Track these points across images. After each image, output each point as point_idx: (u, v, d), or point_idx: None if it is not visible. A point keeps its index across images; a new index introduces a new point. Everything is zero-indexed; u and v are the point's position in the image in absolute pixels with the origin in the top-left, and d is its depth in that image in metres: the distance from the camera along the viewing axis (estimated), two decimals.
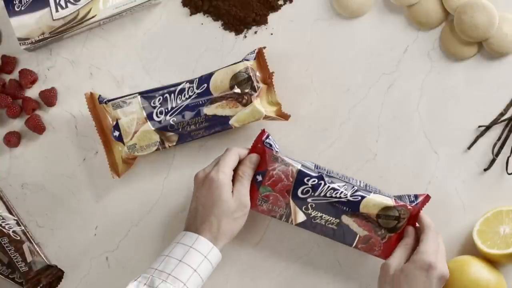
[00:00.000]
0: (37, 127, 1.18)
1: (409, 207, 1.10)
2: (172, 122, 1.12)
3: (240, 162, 1.11)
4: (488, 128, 1.17)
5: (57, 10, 1.14)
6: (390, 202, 1.10)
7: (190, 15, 1.20)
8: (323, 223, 1.10)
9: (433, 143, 1.18)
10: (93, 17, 1.15)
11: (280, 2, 1.20)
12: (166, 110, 1.13)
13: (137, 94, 1.13)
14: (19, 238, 1.17)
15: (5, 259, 1.17)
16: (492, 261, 1.13)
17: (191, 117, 1.12)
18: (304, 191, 1.10)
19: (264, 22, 1.19)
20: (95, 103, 1.15)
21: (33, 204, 1.19)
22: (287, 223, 1.16)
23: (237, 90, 1.12)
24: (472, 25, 1.15)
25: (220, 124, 1.13)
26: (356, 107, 1.19)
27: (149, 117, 1.13)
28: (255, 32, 1.20)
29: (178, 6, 1.20)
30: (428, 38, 1.19)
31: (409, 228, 1.10)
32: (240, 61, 1.13)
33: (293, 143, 1.17)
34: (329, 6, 1.20)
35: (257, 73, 1.14)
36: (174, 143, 1.14)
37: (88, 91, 1.16)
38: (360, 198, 1.10)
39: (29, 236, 1.17)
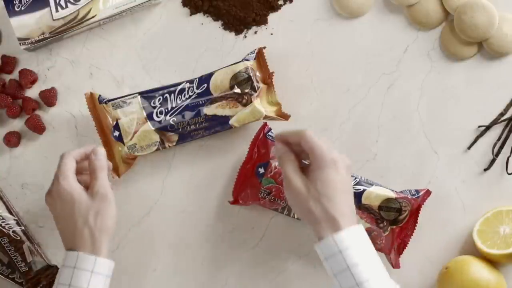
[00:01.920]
0: (37, 127, 1.18)
1: (410, 198, 1.11)
2: (172, 122, 1.12)
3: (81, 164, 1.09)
4: (488, 128, 1.17)
5: (57, 10, 1.14)
6: (392, 194, 1.11)
7: (190, 15, 1.20)
8: None
9: (433, 143, 1.18)
10: (93, 17, 1.15)
11: (280, 2, 1.20)
12: (166, 110, 1.12)
13: (137, 94, 1.13)
14: (19, 238, 1.17)
15: (5, 259, 1.17)
16: (492, 261, 1.13)
17: (191, 117, 1.12)
18: None
19: (264, 22, 1.19)
20: (95, 103, 1.15)
21: (33, 204, 1.19)
22: (287, 223, 1.17)
23: (237, 90, 1.12)
24: (472, 25, 1.15)
25: (220, 124, 1.13)
26: (356, 107, 1.19)
27: (149, 117, 1.12)
28: (255, 32, 1.20)
29: (178, 6, 1.20)
30: (428, 38, 1.19)
31: (276, 147, 1.04)
32: (240, 61, 1.13)
33: None
34: (329, 6, 1.20)
35: (257, 73, 1.14)
36: (174, 143, 1.13)
37: (88, 91, 1.16)
38: (362, 189, 1.11)
39: (29, 236, 1.17)
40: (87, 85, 1.20)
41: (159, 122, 1.12)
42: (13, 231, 1.17)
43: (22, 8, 1.14)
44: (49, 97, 1.19)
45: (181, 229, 1.18)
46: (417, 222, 1.13)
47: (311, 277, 1.17)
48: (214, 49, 1.19)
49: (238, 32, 1.20)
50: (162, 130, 1.12)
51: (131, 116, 1.12)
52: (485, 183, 1.17)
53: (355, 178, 1.12)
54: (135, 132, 1.12)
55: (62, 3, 1.14)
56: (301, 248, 1.18)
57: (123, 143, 1.13)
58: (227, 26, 1.20)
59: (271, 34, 1.20)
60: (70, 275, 1.02)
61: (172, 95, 1.13)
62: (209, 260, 1.18)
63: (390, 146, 1.18)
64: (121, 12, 1.16)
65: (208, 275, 1.18)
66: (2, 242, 1.16)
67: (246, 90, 1.12)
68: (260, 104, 1.13)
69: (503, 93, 1.18)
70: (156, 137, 1.13)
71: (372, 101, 1.18)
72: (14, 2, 1.14)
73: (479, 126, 1.18)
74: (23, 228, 1.17)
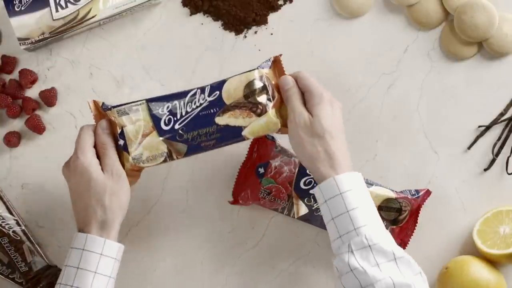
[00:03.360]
0: (37, 127, 1.18)
1: (410, 198, 1.11)
2: (181, 132, 1.04)
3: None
4: (488, 128, 1.18)
5: (57, 10, 1.14)
6: (392, 194, 1.11)
7: (190, 15, 1.20)
8: None
9: (433, 143, 1.18)
10: (93, 17, 1.15)
11: (280, 2, 1.20)
12: (175, 119, 1.05)
13: (144, 101, 1.05)
14: (19, 238, 1.17)
15: (5, 259, 1.17)
16: (492, 261, 1.13)
17: (202, 126, 1.05)
18: (307, 182, 1.11)
19: (264, 22, 1.19)
20: (99, 111, 1.07)
21: (33, 204, 1.19)
22: (287, 223, 1.17)
23: (251, 99, 1.04)
24: (472, 25, 1.16)
25: (232, 137, 1.05)
26: (356, 107, 1.19)
27: (157, 125, 1.04)
28: (255, 32, 1.20)
29: (178, 6, 1.20)
30: (428, 38, 1.19)
31: (287, 78, 1.06)
32: (255, 69, 1.06)
33: None
34: (329, 6, 1.20)
35: (273, 82, 1.07)
36: (183, 156, 1.06)
37: (91, 100, 1.08)
38: None
39: (29, 236, 1.17)
40: (87, 85, 1.20)
41: (167, 131, 1.05)
42: (13, 231, 1.17)
43: (22, 8, 1.14)
44: (49, 97, 1.18)
45: (181, 229, 1.18)
46: (417, 222, 1.13)
47: (311, 277, 1.17)
48: (214, 49, 1.19)
49: (238, 32, 1.20)
50: (170, 140, 1.05)
51: (137, 124, 1.05)
52: (485, 183, 1.18)
53: None
54: (141, 142, 1.05)
55: (62, 3, 1.14)
56: (301, 248, 1.18)
57: (128, 153, 1.06)
58: (227, 26, 1.19)
59: (271, 34, 1.20)
60: (78, 257, 1.02)
61: (182, 102, 1.05)
62: (209, 260, 1.18)
63: (390, 146, 1.18)
64: (121, 12, 1.16)
65: (208, 275, 1.18)
66: (2, 242, 1.16)
67: (261, 100, 1.05)
68: (276, 115, 1.05)
69: (503, 93, 1.18)
70: (163, 147, 1.05)
71: (372, 101, 1.19)
72: (14, 2, 1.14)
73: (479, 126, 1.18)
74: (23, 228, 1.17)
